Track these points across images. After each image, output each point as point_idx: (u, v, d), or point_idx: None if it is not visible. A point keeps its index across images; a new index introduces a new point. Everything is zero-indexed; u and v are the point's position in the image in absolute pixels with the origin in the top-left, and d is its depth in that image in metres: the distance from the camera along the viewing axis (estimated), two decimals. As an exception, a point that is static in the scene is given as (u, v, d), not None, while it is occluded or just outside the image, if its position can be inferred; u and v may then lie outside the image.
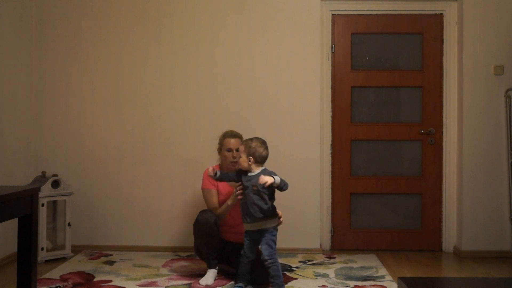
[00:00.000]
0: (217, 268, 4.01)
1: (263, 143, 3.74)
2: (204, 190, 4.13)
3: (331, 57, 5.00)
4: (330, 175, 5.01)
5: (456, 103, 4.95)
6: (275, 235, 3.69)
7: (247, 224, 3.71)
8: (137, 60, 4.93)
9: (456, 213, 4.94)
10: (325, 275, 4.15)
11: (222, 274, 4.11)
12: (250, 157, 3.68)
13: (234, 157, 4.02)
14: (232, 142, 4.07)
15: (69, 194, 4.65)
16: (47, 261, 4.51)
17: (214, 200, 4.08)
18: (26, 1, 4.79)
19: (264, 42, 4.90)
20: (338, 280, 4.03)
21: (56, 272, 4.16)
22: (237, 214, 3.93)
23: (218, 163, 4.21)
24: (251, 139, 3.74)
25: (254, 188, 3.63)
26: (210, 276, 3.95)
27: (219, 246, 3.99)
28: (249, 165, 3.69)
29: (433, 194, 4.99)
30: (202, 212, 4.00)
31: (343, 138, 5.01)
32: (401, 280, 2.67)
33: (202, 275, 4.08)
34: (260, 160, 3.70)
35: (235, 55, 4.87)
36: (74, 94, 4.94)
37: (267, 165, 3.76)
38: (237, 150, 3.99)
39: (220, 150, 4.16)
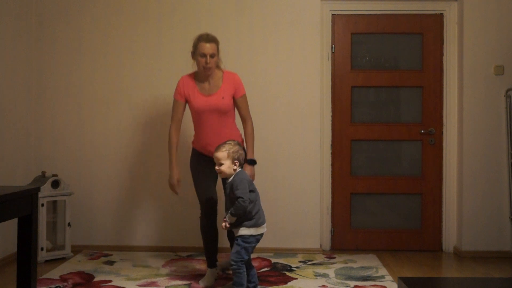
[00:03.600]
0: (216, 268, 4.02)
1: (238, 144, 3.56)
2: (173, 100, 3.98)
3: (331, 57, 5.00)
4: (330, 175, 5.01)
5: (456, 103, 4.95)
6: (248, 243, 3.47)
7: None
8: (137, 60, 4.93)
9: (456, 213, 4.94)
10: (325, 275, 4.15)
11: (223, 273, 4.12)
12: (236, 161, 3.48)
13: (207, 63, 3.78)
14: (207, 47, 3.79)
15: (69, 194, 4.65)
16: (47, 261, 4.51)
17: (177, 113, 3.94)
18: (26, 1, 4.79)
19: (264, 42, 4.90)
20: (338, 280, 4.03)
21: (56, 272, 4.17)
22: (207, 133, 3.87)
23: (193, 70, 3.98)
24: (228, 144, 3.51)
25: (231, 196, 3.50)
26: (210, 275, 3.96)
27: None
28: (232, 171, 3.49)
29: (433, 194, 4.99)
30: (206, 211, 3.93)
31: (343, 138, 5.01)
32: (401, 280, 2.66)
33: (202, 275, 4.09)
34: (243, 162, 3.55)
35: (235, 55, 4.86)
36: (74, 94, 4.94)
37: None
38: (212, 56, 3.78)
39: (193, 54, 3.88)
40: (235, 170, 3.50)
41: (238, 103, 3.92)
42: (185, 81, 3.93)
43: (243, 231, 3.47)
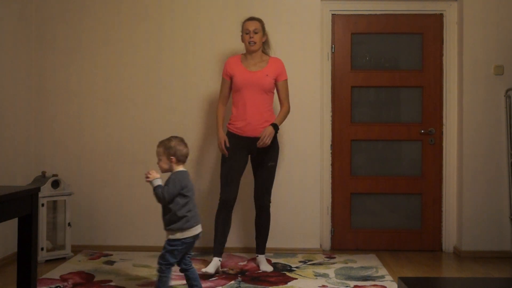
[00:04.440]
0: (220, 259, 4.20)
1: (182, 140, 3.52)
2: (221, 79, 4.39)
3: (331, 57, 5.00)
4: (330, 175, 5.01)
5: (456, 103, 4.95)
6: (173, 246, 3.40)
7: None
8: (138, 59, 4.93)
9: (456, 213, 4.94)
10: (325, 275, 4.15)
11: (224, 274, 4.13)
12: (172, 157, 3.44)
13: (251, 37, 4.17)
14: (250, 24, 4.22)
15: (69, 194, 4.65)
16: (47, 261, 4.51)
17: (223, 91, 4.33)
18: (26, 2, 4.79)
19: (264, 42, 4.90)
20: (338, 280, 4.03)
21: (56, 272, 4.17)
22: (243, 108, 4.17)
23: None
24: (169, 139, 3.50)
25: None
26: (212, 265, 4.13)
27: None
28: (170, 166, 3.48)
29: (433, 194, 4.99)
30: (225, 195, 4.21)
31: (343, 138, 5.01)
32: (401, 280, 2.66)
33: (202, 275, 4.09)
34: (182, 158, 3.49)
35: (235, 55, 4.86)
36: (74, 94, 4.94)
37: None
38: (255, 31, 4.18)
39: (242, 36, 4.29)
40: (171, 165, 3.47)
41: (279, 86, 4.27)
42: (231, 61, 4.31)
43: (169, 234, 3.44)
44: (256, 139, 4.15)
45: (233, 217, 4.65)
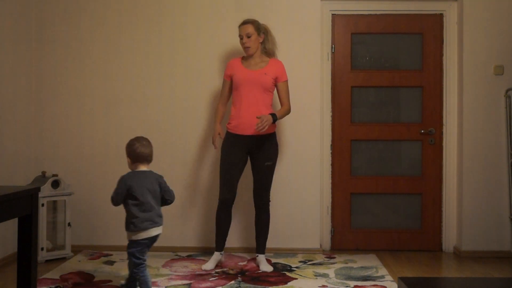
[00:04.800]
0: (222, 252, 4.33)
1: (139, 141, 3.48)
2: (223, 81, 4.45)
3: (331, 57, 5.00)
4: (330, 175, 5.01)
5: (456, 103, 4.95)
6: (129, 248, 3.43)
7: None
8: (137, 60, 4.93)
9: (456, 213, 4.94)
10: (325, 275, 4.15)
11: (224, 274, 4.13)
12: (128, 158, 3.48)
13: (244, 43, 4.24)
14: (242, 28, 4.27)
15: (69, 194, 4.65)
16: (47, 261, 4.51)
17: (224, 91, 4.38)
18: (26, 1, 4.79)
19: (264, 42, 4.90)
20: (338, 280, 4.03)
21: (56, 272, 4.17)
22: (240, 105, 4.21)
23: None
24: (131, 139, 3.53)
25: None
26: (212, 260, 4.28)
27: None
28: (130, 166, 3.50)
29: (433, 194, 4.99)
30: (224, 195, 4.26)
31: (343, 138, 5.01)
32: (401, 280, 2.67)
33: (202, 275, 4.10)
34: (136, 158, 3.46)
35: (235, 55, 4.86)
36: (74, 94, 4.94)
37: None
38: (248, 35, 4.20)
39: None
40: (131, 166, 3.52)
41: (279, 87, 4.30)
42: (232, 62, 4.37)
43: (127, 235, 3.47)
44: (254, 137, 4.17)
45: (233, 217, 4.67)
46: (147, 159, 3.49)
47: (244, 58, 4.34)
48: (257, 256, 4.38)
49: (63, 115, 4.94)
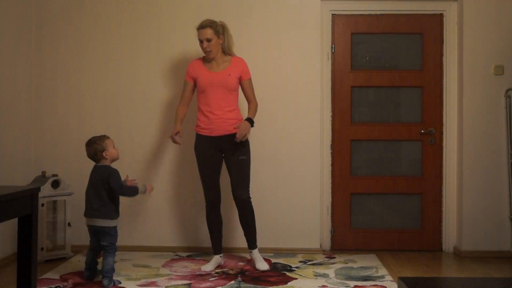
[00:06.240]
0: (221, 255, 4.34)
1: (86, 143, 3.98)
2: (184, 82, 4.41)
3: (331, 57, 5.00)
4: (330, 175, 5.01)
5: (456, 103, 4.95)
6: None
7: None
8: (138, 60, 4.92)
9: (456, 213, 4.94)
10: (325, 275, 4.15)
11: (224, 274, 4.13)
12: None
13: (204, 48, 4.20)
14: (201, 33, 4.21)
15: (69, 194, 4.65)
16: (47, 261, 4.51)
17: (185, 92, 4.36)
18: (26, 1, 4.79)
19: (264, 42, 4.90)
20: (338, 280, 4.03)
21: (56, 272, 4.17)
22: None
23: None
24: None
25: None
26: (212, 263, 4.28)
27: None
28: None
29: (433, 194, 4.99)
30: (209, 202, 4.31)
31: (343, 138, 5.01)
32: (401, 280, 2.66)
33: (202, 275, 4.10)
34: (100, 155, 3.94)
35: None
36: (74, 94, 4.94)
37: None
38: (208, 40, 4.16)
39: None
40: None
41: (244, 85, 4.29)
42: (194, 63, 4.33)
43: None
44: (225, 136, 4.18)
45: (231, 217, 4.69)
46: (93, 158, 3.96)
47: (206, 59, 4.28)
48: (251, 252, 4.34)
49: (63, 115, 4.94)
